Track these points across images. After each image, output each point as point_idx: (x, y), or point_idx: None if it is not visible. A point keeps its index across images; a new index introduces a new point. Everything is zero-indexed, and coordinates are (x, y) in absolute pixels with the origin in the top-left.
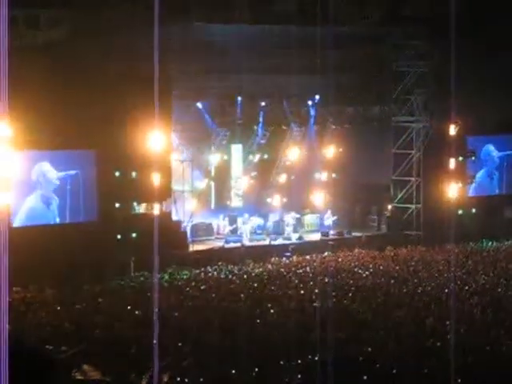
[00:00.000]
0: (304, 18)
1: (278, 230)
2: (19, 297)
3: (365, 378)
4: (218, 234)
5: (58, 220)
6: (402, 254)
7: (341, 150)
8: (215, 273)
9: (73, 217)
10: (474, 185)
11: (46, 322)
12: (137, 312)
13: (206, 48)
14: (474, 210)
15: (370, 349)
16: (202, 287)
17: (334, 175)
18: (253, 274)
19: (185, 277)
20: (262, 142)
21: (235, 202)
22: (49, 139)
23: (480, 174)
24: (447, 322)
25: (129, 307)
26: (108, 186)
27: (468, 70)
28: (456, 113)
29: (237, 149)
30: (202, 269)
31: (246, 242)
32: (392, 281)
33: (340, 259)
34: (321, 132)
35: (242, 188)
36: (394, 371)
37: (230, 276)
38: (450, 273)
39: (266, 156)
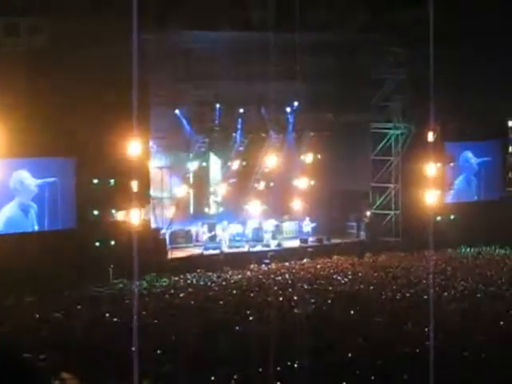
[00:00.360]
0: (282, 24)
1: (257, 237)
2: None
3: None
4: (197, 241)
5: (36, 228)
6: (380, 261)
7: (319, 156)
8: (194, 280)
9: (51, 224)
10: (452, 191)
11: (25, 329)
12: (115, 319)
13: (184, 55)
14: (452, 217)
15: (349, 355)
16: (181, 294)
17: (312, 182)
18: (232, 281)
19: (164, 284)
20: (241, 149)
21: (214, 209)
22: (27, 147)
23: (458, 181)
24: (426, 329)
25: (107, 314)
26: (86, 194)
27: (447, 76)
28: (434, 119)
29: (215, 156)
30: (181, 276)
31: (225, 249)
32: (371, 287)
33: (319, 266)
34: (299, 139)
35: (221, 195)
36: (373, 378)
37: (209, 283)
38: (429, 279)
39: (244, 163)
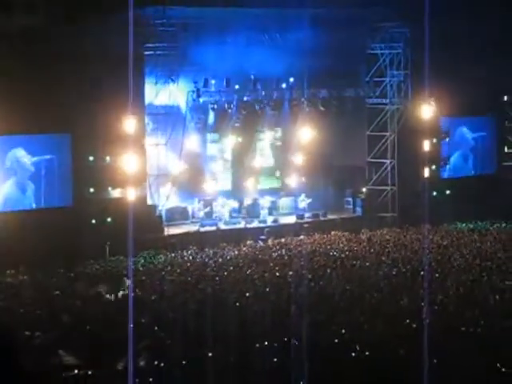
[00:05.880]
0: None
1: (253, 213)
2: None
3: (341, 360)
4: (194, 217)
5: (33, 206)
6: (377, 236)
7: (315, 132)
8: (190, 256)
9: (48, 202)
10: (448, 166)
11: (21, 307)
12: (112, 296)
13: (180, 30)
14: (448, 192)
15: (345, 331)
16: (178, 271)
17: (308, 158)
18: (228, 258)
19: (160, 260)
20: (236, 125)
21: (210, 186)
22: (22, 124)
23: (454, 156)
24: (422, 304)
25: (104, 291)
26: (82, 171)
27: (442, 51)
28: (430, 94)
29: (211, 132)
30: (178, 252)
31: (222, 226)
32: (367, 263)
33: (315, 242)
34: (295, 115)
35: (217, 171)
36: (367, 353)
37: (206, 259)
38: (425, 254)
39: (240, 139)
